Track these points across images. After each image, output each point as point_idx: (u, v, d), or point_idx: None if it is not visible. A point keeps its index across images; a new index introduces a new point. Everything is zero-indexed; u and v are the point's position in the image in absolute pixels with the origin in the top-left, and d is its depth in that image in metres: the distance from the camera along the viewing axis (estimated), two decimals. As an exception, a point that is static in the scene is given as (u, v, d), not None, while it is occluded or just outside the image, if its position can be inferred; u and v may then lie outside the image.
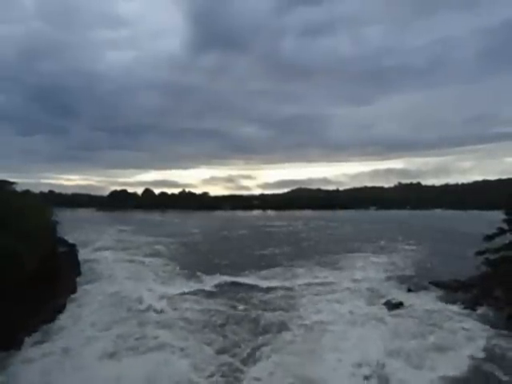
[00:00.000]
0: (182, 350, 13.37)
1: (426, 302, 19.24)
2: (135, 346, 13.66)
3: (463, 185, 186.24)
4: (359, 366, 11.90)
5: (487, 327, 15.27)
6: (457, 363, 12.04)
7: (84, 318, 16.44)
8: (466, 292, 20.03)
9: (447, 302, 19.16)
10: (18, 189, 19.83)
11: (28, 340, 13.76)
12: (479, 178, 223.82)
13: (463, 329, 15.20)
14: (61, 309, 17.31)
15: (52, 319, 15.99)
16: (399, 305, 18.47)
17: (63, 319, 16.19)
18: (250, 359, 12.80)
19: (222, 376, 11.57)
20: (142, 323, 15.99)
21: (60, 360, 12.26)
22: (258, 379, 11.25)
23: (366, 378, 11.26)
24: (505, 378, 10.84)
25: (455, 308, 18.04)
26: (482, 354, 12.58)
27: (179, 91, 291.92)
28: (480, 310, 17.55)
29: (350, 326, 15.68)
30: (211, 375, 11.64)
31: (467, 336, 14.36)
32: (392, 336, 14.47)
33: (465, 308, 18.03)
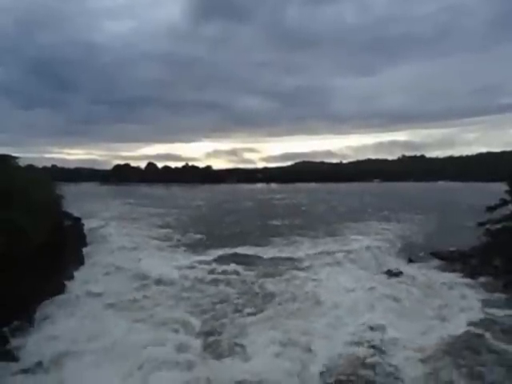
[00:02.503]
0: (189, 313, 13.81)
1: (425, 271, 19.62)
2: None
3: (467, 157, 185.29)
4: (352, 326, 12.51)
5: (484, 295, 15.62)
6: (451, 327, 12.48)
7: (93, 288, 16.70)
8: (465, 262, 20.37)
9: (446, 271, 19.56)
10: (21, 163, 19.85)
11: (39, 310, 14.03)
12: (484, 149, 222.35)
13: (460, 296, 15.58)
14: (69, 280, 17.67)
15: (61, 290, 16.32)
16: (399, 274, 18.84)
17: (73, 290, 16.48)
18: (248, 320, 13.36)
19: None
20: (150, 292, 16.41)
21: (73, 327, 12.58)
22: (253, 342, 11.64)
23: (360, 337, 11.85)
24: (495, 342, 11.25)
25: (454, 277, 18.40)
26: (476, 319, 12.93)
27: (180, 62, 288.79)
28: (478, 279, 17.89)
29: (349, 292, 16.10)
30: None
31: (463, 303, 14.74)
32: (389, 302, 14.88)
33: (463, 277, 18.40)
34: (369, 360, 10.46)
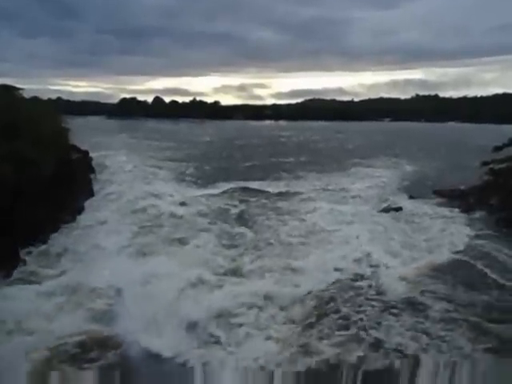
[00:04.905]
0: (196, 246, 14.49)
1: (424, 207, 20.12)
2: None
3: (482, 98, 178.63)
4: (344, 256, 13.20)
5: (475, 229, 16.19)
6: (437, 255, 13.29)
7: (104, 218, 17.36)
8: (464, 200, 20.69)
9: (444, 207, 20.03)
10: (25, 95, 19.74)
11: (52, 237, 14.73)
12: (499, 90, 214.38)
13: (454, 229, 16.20)
14: (80, 211, 18.29)
15: (72, 220, 16.98)
16: (398, 209, 19.44)
17: (83, 221, 17.13)
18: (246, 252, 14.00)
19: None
20: (159, 221, 17.13)
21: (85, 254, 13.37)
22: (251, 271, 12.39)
23: (354, 261, 12.79)
24: (486, 270, 12.03)
25: (450, 213, 18.88)
26: (466, 250, 13.71)
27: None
28: (472, 215, 18.43)
29: (346, 224, 16.85)
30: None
31: (456, 235, 15.40)
32: (382, 234, 15.69)
33: (459, 213, 18.89)
34: (357, 283, 11.34)
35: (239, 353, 8.22)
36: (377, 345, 8.36)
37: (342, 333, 8.82)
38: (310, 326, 9.20)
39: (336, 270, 12.15)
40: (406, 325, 9.07)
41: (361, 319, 9.34)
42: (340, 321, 9.33)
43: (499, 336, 8.65)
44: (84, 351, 8.20)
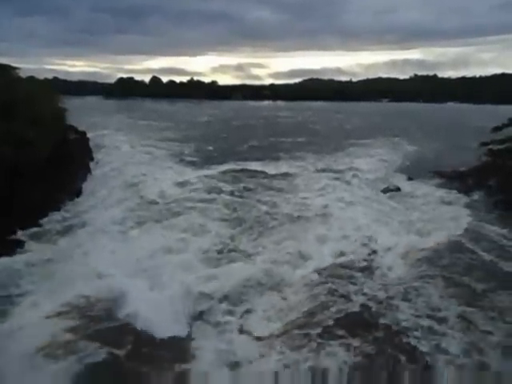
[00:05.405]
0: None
1: (422, 188, 20.15)
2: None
3: (481, 78, 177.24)
4: (345, 235, 13.44)
5: (474, 211, 16.21)
6: (436, 237, 13.27)
7: (102, 199, 17.37)
8: (462, 181, 20.70)
9: (442, 189, 20.01)
10: (22, 75, 19.45)
11: (50, 218, 14.75)
12: (498, 70, 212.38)
13: (451, 211, 16.24)
14: (78, 192, 18.27)
15: (70, 200, 16.97)
16: (397, 190, 19.52)
17: (81, 201, 17.13)
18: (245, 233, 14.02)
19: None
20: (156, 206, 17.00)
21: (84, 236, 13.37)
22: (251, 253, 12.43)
23: (349, 244, 12.86)
24: (480, 252, 12.07)
25: (448, 194, 18.90)
26: (462, 232, 13.69)
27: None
28: (471, 197, 18.45)
29: (345, 205, 16.89)
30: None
31: (453, 216, 15.41)
32: (382, 216, 15.70)
33: (457, 194, 18.87)
34: (357, 264, 11.46)
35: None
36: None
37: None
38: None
39: (335, 251, 12.28)
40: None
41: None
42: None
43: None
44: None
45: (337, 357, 7.35)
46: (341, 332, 8.13)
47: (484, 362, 7.28)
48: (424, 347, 7.60)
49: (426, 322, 8.41)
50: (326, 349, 7.58)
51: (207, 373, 6.95)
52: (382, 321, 8.55)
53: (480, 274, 10.71)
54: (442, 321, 8.48)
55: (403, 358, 7.36)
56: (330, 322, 8.47)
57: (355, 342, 7.77)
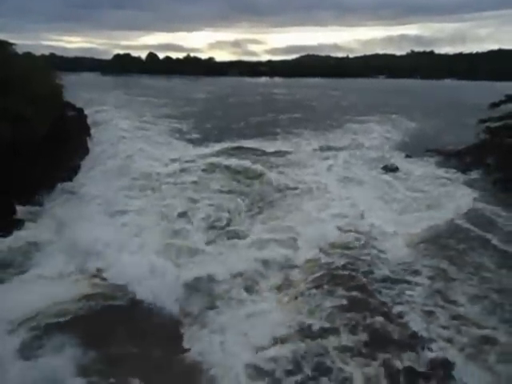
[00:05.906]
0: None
1: (420, 167, 20.27)
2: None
3: (477, 54, 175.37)
4: (342, 215, 13.47)
5: (473, 190, 16.27)
6: (438, 219, 13.33)
7: (99, 178, 17.30)
8: (460, 159, 20.74)
9: (441, 167, 20.10)
10: (18, 51, 19.07)
11: (47, 196, 14.72)
12: (495, 46, 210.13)
13: (450, 190, 16.30)
14: (76, 169, 18.16)
15: (69, 178, 16.90)
16: (395, 169, 19.50)
17: (80, 178, 17.10)
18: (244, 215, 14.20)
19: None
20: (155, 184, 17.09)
21: (80, 212, 13.44)
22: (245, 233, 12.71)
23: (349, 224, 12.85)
24: (479, 232, 12.27)
25: (447, 173, 18.99)
26: (461, 212, 13.79)
27: None
28: (470, 175, 18.52)
29: (344, 184, 16.98)
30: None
31: (452, 196, 15.53)
32: (381, 195, 15.83)
33: (456, 173, 18.93)
34: (356, 243, 11.54)
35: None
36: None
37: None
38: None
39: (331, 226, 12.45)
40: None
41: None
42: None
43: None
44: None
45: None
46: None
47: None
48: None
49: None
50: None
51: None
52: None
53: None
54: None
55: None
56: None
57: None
